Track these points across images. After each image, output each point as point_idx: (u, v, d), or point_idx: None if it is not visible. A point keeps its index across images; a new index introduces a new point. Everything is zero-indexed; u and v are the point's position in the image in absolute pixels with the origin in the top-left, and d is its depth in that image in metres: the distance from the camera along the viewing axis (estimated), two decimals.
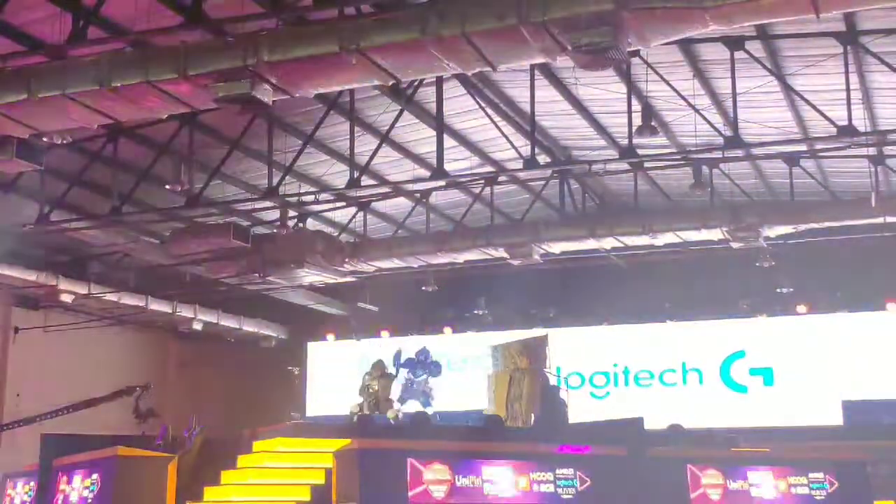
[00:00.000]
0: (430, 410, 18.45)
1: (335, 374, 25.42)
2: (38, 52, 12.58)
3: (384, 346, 25.85)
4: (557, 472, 13.24)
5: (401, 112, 16.80)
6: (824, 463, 14.95)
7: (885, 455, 17.11)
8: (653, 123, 15.80)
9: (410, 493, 12.43)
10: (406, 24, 10.50)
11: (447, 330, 25.98)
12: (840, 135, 14.83)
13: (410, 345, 19.82)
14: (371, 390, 17.97)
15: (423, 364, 18.60)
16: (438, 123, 16.69)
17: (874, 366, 22.21)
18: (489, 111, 17.09)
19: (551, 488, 13.14)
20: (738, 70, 14.66)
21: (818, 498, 14.66)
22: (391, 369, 18.29)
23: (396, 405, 18.02)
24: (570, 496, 13.22)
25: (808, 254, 20.51)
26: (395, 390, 18.15)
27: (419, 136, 18.19)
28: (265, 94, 11.09)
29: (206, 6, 11.66)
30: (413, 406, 18.34)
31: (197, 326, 25.03)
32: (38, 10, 12.60)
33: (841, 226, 18.35)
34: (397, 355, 18.57)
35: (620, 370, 24.58)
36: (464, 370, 24.59)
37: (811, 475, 14.58)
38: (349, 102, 16.67)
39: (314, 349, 27.22)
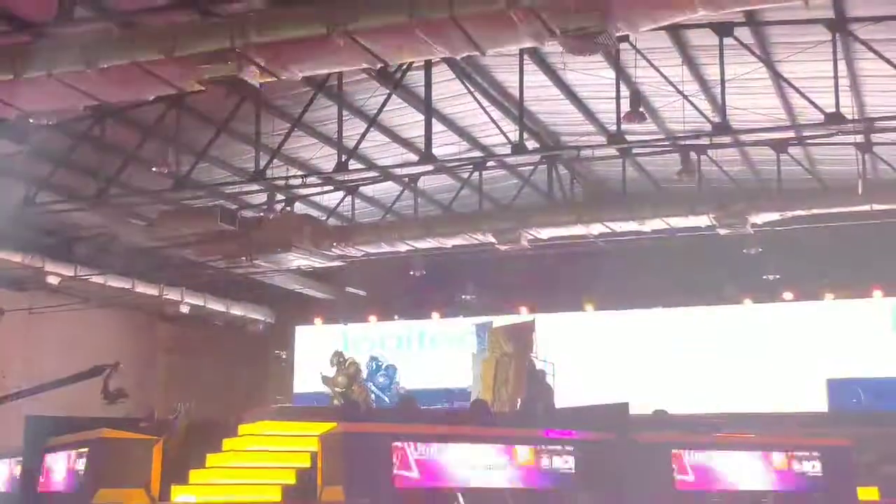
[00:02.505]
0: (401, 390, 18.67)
1: (323, 358, 25.41)
2: (23, 31, 12.49)
3: (371, 330, 26.12)
4: (543, 456, 13.29)
5: (389, 96, 16.74)
6: (808, 449, 15.03)
7: (869, 442, 17.21)
8: (641, 109, 15.80)
9: (395, 477, 12.47)
10: (394, 6, 10.47)
11: (435, 315, 26.05)
12: (827, 122, 14.86)
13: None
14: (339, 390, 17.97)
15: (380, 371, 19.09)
16: (427, 108, 16.64)
17: (859, 353, 22.31)
18: (478, 96, 17.04)
19: (537, 472, 13.19)
20: (726, 56, 14.64)
21: (801, 484, 14.76)
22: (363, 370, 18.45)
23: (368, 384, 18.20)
24: (555, 480, 13.27)
25: (795, 241, 20.57)
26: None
27: (407, 120, 18.14)
28: (252, 77, 11.06)
29: None
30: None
31: (184, 310, 25.00)
32: None
33: (828, 213, 18.40)
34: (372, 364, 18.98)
35: (606, 355, 24.63)
36: (445, 349, 24.83)
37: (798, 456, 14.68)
38: (337, 86, 16.61)
39: (302, 333, 27.21)
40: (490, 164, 20.01)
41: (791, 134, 17.68)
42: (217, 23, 11.20)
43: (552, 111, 18.56)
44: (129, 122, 17.33)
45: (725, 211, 18.14)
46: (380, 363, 21.05)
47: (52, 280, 21.53)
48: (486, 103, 17.35)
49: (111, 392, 15.68)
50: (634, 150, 18.79)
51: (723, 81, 14.90)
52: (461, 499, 12.23)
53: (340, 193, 20.85)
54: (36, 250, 20.96)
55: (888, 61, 14.25)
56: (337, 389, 17.74)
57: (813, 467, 14.78)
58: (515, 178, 21.14)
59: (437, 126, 17.49)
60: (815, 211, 18.18)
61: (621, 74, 15.62)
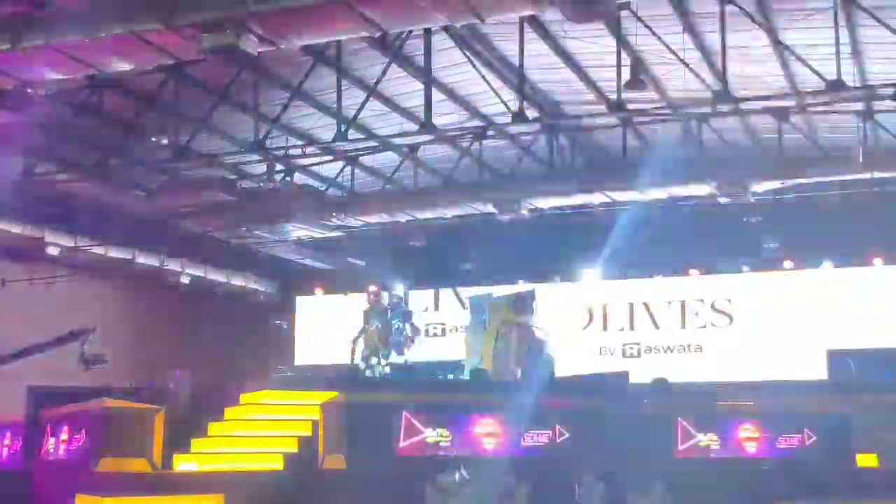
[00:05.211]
0: (401, 359, 18.60)
1: (324, 328, 25.50)
2: (22, 1, 12.42)
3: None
4: (543, 425, 13.34)
5: (388, 65, 16.68)
6: (807, 416, 15.10)
7: (867, 409, 17.25)
8: (642, 78, 15.73)
9: (397, 446, 12.53)
10: None
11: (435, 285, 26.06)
12: (829, 90, 14.79)
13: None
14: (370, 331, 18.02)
15: (396, 310, 18.93)
16: (426, 77, 16.59)
17: (859, 321, 22.32)
18: (478, 65, 16.98)
19: (537, 441, 13.25)
20: (728, 24, 14.57)
21: (800, 451, 14.85)
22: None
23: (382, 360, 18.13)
24: (555, 449, 13.33)
25: (796, 209, 20.53)
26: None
27: (407, 89, 18.07)
28: (251, 46, 11.01)
29: None
30: (391, 357, 18.52)
31: (184, 280, 25.01)
32: None
33: (828, 181, 18.36)
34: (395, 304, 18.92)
35: (607, 325, 24.68)
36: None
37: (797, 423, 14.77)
38: (336, 55, 16.54)
39: (302, 303, 27.30)
40: (490, 133, 19.92)
41: (792, 102, 17.60)
42: None
43: (553, 80, 18.48)
44: (127, 92, 17.27)
45: (726, 179, 18.08)
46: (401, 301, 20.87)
47: (53, 251, 21.49)
48: (486, 72, 17.28)
49: (87, 358, 15.54)
50: (635, 119, 18.71)
51: (724, 49, 14.83)
52: (462, 467, 12.30)
53: (340, 163, 20.81)
54: (36, 221, 20.92)
55: (889, 28, 14.18)
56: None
57: (812, 435, 14.87)
58: (516, 148, 21.08)
59: (436, 95, 17.43)
60: (815, 179, 18.14)
61: (622, 42, 15.54)
